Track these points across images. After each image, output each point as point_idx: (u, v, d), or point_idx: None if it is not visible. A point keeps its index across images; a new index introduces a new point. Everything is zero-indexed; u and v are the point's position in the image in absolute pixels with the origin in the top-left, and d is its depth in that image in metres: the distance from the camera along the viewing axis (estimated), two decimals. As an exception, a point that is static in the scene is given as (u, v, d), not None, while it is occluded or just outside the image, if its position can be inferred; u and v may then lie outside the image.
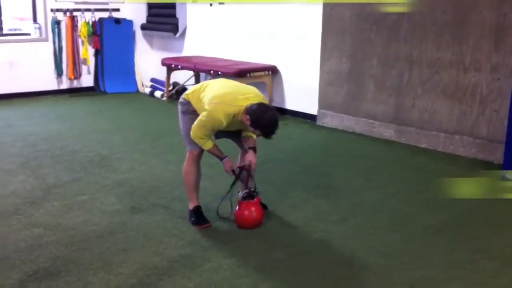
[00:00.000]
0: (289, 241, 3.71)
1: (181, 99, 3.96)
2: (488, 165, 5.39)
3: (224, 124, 3.64)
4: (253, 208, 3.89)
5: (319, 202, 4.42)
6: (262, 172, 5.01)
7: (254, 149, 3.86)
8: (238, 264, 3.38)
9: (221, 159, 3.83)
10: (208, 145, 3.75)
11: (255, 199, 3.92)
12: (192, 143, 3.84)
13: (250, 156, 3.84)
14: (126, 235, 3.78)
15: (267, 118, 3.56)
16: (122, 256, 3.47)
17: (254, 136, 3.89)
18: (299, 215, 4.15)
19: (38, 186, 4.70)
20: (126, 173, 5.05)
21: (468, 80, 5.66)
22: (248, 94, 3.72)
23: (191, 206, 4.03)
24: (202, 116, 3.66)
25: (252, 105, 3.59)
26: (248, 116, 3.57)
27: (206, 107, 3.64)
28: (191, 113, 3.84)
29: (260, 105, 3.59)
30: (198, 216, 3.98)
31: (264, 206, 4.09)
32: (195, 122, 3.70)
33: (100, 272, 3.26)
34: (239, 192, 4.00)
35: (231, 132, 3.94)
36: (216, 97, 3.65)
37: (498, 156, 5.40)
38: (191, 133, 3.72)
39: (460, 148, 5.77)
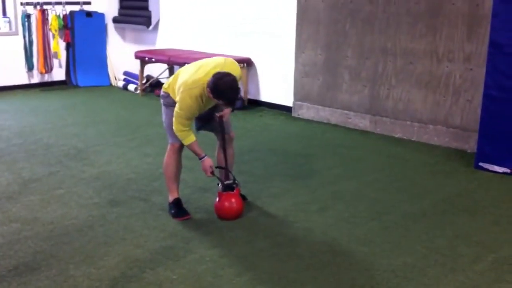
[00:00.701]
0: (271, 231, 3.73)
1: (161, 92, 3.96)
2: (462, 154, 5.49)
3: (196, 108, 3.65)
4: (233, 199, 3.90)
5: (298, 192, 4.45)
6: (241, 164, 5.02)
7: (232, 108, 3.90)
8: (220, 255, 3.39)
9: (200, 158, 3.83)
10: (188, 140, 3.73)
11: (235, 190, 3.93)
12: (174, 135, 3.85)
13: (226, 110, 3.86)
14: (106, 228, 3.74)
15: (223, 83, 3.52)
16: (103, 249, 3.45)
17: None
18: (280, 205, 4.16)
19: (14, 181, 4.62)
20: (103, 166, 5.00)
21: (441, 70, 5.74)
22: (209, 69, 3.67)
23: (171, 198, 4.02)
24: (176, 108, 3.68)
25: (210, 78, 3.57)
26: (208, 89, 3.56)
27: (177, 98, 3.68)
28: (173, 105, 3.81)
29: (216, 74, 3.56)
30: (178, 208, 3.97)
31: (243, 197, 4.10)
32: (174, 117, 3.70)
33: (82, 266, 3.23)
34: (218, 184, 3.99)
35: (210, 120, 3.94)
36: (182, 85, 3.66)
37: (471, 145, 5.49)
38: (174, 127, 3.72)
39: (434, 138, 5.86)
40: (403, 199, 4.32)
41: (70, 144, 5.66)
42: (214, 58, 3.92)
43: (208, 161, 3.84)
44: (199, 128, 4.03)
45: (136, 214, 3.98)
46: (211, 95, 3.57)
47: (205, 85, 3.59)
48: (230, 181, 3.96)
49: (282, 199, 4.29)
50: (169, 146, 3.96)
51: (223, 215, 3.89)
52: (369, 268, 3.23)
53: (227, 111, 3.89)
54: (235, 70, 3.76)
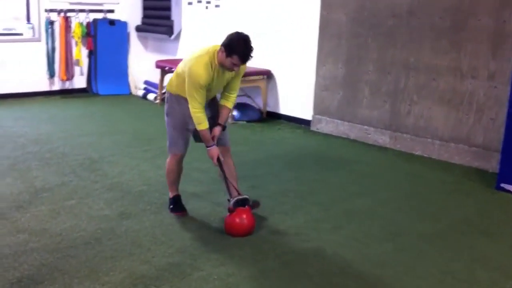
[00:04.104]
0: (282, 249, 3.62)
1: (166, 94, 4.06)
2: (483, 174, 5.33)
3: (207, 75, 3.68)
4: (244, 215, 3.80)
5: (311, 209, 4.34)
6: (254, 178, 4.95)
7: (223, 126, 3.98)
8: (228, 273, 3.29)
9: (209, 146, 3.88)
10: (203, 126, 3.78)
11: (246, 207, 3.84)
12: (175, 145, 4.01)
13: (217, 131, 3.94)
14: (113, 242, 3.67)
15: (237, 37, 3.65)
16: (109, 264, 3.38)
17: (230, 104, 4.00)
18: (292, 222, 4.06)
19: (26, 190, 4.59)
20: (116, 177, 4.95)
21: (465, 87, 5.59)
22: (216, 45, 3.78)
23: (171, 195, 4.19)
24: (186, 84, 3.72)
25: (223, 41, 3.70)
26: (222, 48, 3.65)
27: (186, 72, 3.73)
28: (172, 112, 3.95)
29: (229, 34, 3.71)
30: (175, 204, 4.16)
31: (256, 203, 3.97)
32: (187, 97, 3.74)
33: (86, 281, 3.16)
34: (229, 200, 3.90)
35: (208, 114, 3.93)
36: (189, 59, 3.79)
37: (493, 164, 5.33)
38: (190, 110, 3.75)
39: (455, 156, 5.70)
40: (419, 219, 4.19)
41: (84, 154, 5.64)
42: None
43: (216, 150, 3.89)
44: (198, 140, 4.03)
45: (145, 228, 3.91)
46: (224, 55, 3.63)
47: (215, 53, 3.69)
48: (241, 197, 3.87)
49: (294, 216, 4.18)
50: (170, 155, 4.07)
51: (233, 232, 3.79)
52: (380, 293, 3.12)
53: (217, 130, 3.93)
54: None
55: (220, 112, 3.98)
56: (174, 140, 4.00)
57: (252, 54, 3.67)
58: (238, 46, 3.61)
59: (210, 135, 3.85)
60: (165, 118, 4.03)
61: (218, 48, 3.69)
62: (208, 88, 3.78)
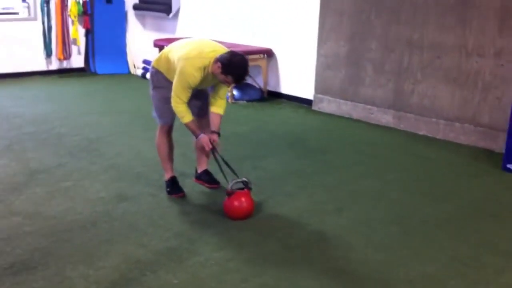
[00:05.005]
0: (283, 232, 3.51)
1: (150, 69, 3.98)
2: (489, 154, 5.20)
3: (198, 78, 3.64)
4: (243, 198, 3.69)
5: (314, 190, 4.23)
6: (256, 159, 4.85)
7: (217, 133, 3.90)
8: (227, 258, 3.19)
9: (197, 136, 3.82)
10: (187, 118, 3.73)
11: (245, 190, 3.73)
12: (162, 117, 3.96)
13: (215, 138, 3.87)
14: (109, 225, 3.57)
15: (237, 61, 3.58)
16: (105, 248, 3.27)
17: (221, 110, 3.90)
18: (294, 204, 3.95)
19: (21, 171, 4.48)
20: (114, 158, 4.84)
21: (470, 65, 5.44)
22: (215, 47, 3.74)
23: (166, 177, 4.12)
24: (175, 80, 3.67)
25: (221, 54, 3.62)
26: (219, 64, 3.57)
27: (177, 66, 3.67)
28: (160, 86, 3.87)
29: (230, 52, 3.66)
30: (173, 186, 4.07)
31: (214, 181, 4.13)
32: (172, 92, 3.68)
33: (80, 266, 3.05)
34: (229, 182, 3.78)
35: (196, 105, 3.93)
36: (184, 54, 3.68)
37: (500, 145, 5.20)
38: (172, 103, 3.71)
39: (461, 136, 5.57)
40: (425, 202, 4.07)
41: (82, 134, 5.51)
42: (220, 45, 3.86)
43: (206, 137, 3.81)
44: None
45: (142, 210, 3.81)
46: (219, 70, 3.57)
47: (212, 60, 3.61)
48: (240, 179, 3.76)
49: (297, 198, 4.07)
50: (158, 128, 4.05)
51: (232, 215, 3.68)
52: (385, 277, 3.01)
53: (217, 139, 3.87)
54: None
55: (213, 120, 3.91)
56: (161, 112, 3.95)
57: (246, 78, 3.74)
58: (235, 69, 3.58)
59: (196, 125, 3.79)
60: (151, 92, 3.97)
61: (215, 55, 3.61)
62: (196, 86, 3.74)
